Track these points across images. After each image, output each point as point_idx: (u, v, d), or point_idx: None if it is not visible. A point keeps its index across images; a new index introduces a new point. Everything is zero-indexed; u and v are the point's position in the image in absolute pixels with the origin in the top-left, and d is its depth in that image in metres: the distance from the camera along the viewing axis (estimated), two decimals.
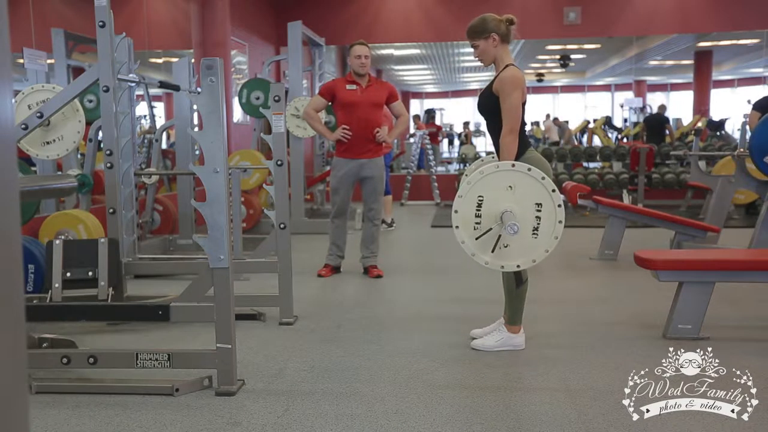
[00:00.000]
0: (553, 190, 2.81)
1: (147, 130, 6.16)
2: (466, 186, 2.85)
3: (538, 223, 2.83)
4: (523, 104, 3.08)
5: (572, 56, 13.99)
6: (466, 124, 15.96)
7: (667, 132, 10.87)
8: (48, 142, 4.28)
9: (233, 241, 4.69)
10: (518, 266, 2.91)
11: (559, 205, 2.81)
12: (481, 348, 3.17)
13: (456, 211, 2.84)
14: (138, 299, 3.86)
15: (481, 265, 2.91)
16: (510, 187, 2.81)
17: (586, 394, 2.62)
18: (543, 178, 2.82)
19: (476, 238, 2.84)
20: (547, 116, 15.18)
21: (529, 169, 2.82)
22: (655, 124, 10.78)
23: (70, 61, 5.70)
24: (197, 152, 6.77)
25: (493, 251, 2.84)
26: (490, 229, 2.81)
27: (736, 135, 11.52)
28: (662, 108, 11.37)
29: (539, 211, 2.82)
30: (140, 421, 2.42)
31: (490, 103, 3.10)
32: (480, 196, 2.83)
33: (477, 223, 2.85)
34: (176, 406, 2.54)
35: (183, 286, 3.49)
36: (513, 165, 2.86)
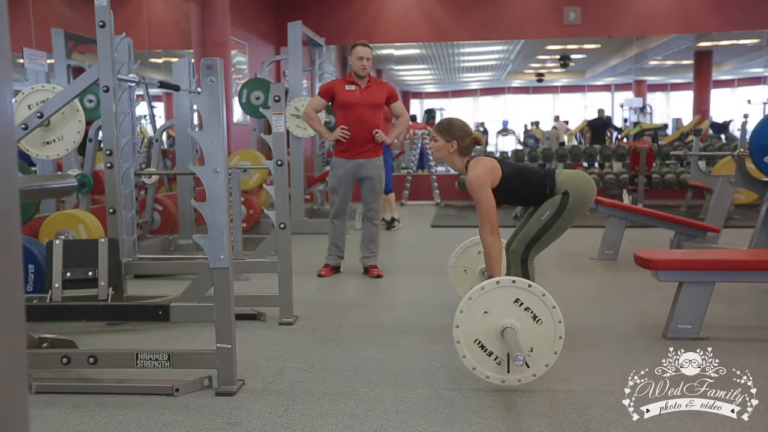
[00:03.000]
0: (554, 307, 2.80)
1: (149, 139, 6.16)
2: (467, 301, 2.82)
3: (532, 312, 2.81)
4: (507, 176, 3.18)
5: (572, 56, 13.99)
6: None
7: (608, 134, 12.26)
8: (48, 142, 4.28)
9: (233, 241, 4.69)
10: (519, 381, 2.89)
11: (559, 321, 2.80)
12: None
13: (457, 326, 2.82)
14: (138, 299, 3.86)
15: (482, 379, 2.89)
16: (518, 300, 2.76)
17: (586, 394, 2.62)
18: (543, 295, 2.80)
19: (506, 370, 2.77)
20: (556, 118, 15.19)
21: (530, 286, 2.80)
22: (599, 127, 12.01)
23: (70, 61, 5.70)
24: (197, 152, 6.77)
25: (509, 372, 2.80)
26: (508, 354, 2.76)
27: (737, 135, 11.53)
28: (601, 112, 12.68)
29: (521, 304, 2.79)
30: (140, 421, 2.42)
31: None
32: (485, 311, 2.79)
33: (495, 359, 2.80)
34: (176, 406, 2.54)
35: (183, 286, 3.51)
36: (514, 281, 2.84)
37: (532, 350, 2.74)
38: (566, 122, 14.99)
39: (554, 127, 14.13)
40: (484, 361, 2.77)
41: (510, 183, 3.18)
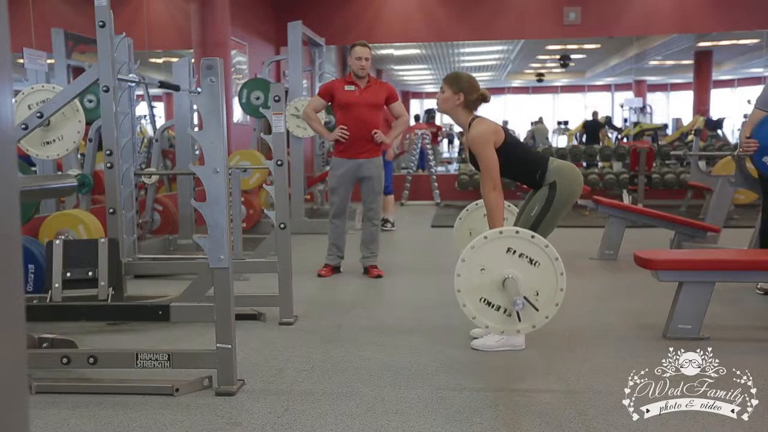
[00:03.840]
0: (547, 246, 2.81)
1: (149, 139, 6.16)
2: (462, 263, 2.84)
3: (529, 258, 2.84)
4: (508, 143, 3.20)
5: (572, 56, 13.99)
6: None
7: (608, 134, 12.85)
8: (48, 142, 4.28)
9: (233, 241, 4.69)
10: (533, 326, 2.92)
11: (557, 259, 2.81)
12: (481, 348, 3.17)
13: (459, 275, 2.83)
14: (138, 299, 3.86)
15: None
16: (482, 269, 2.79)
17: (586, 394, 2.62)
18: (533, 237, 2.81)
19: (508, 315, 2.82)
20: (540, 120, 15.20)
21: (517, 232, 2.82)
22: (594, 128, 12.57)
23: (70, 61, 5.70)
24: (197, 152, 6.77)
25: (537, 310, 2.82)
26: (505, 310, 2.80)
27: (737, 134, 11.52)
28: (595, 114, 13.20)
29: (514, 253, 2.80)
30: (140, 421, 2.42)
31: (473, 157, 3.28)
32: (482, 268, 2.82)
33: (504, 311, 2.83)
34: (176, 406, 2.54)
35: (183, 286, 3.51)
36: (501, 232, 2.86)
37: (537, 294, 2.75)
38: (565, 122, 15.02)
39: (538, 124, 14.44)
40: (493, 316, 2.77)
41: (508, 151, 3.19)
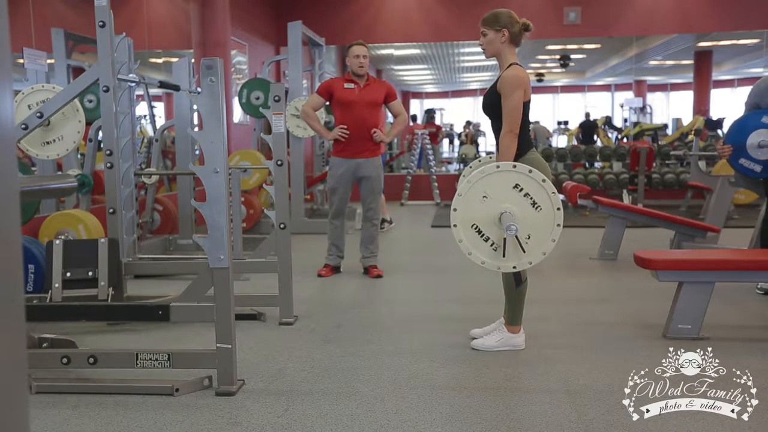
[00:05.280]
0: (553, 192, 2.81)
1: (149, 139, 6.15)
2: (466, 185, 2.84)
3: (532, 199, 2.81)
4: (527, 103, 3.08)
5: (572, 56, 13.98)
6: (467, 124, 15.94)
7: (609, 133, 13.31)
8: (48, 142, 4.28)
9: (233, 241, 4.69)
10: (514, 267, 2.91)
11: (558, 209, 2.81)
12: (481, 348, 3.17)
13: (455, 209, 2.83)
14: (138, 299, 3.86)
15: (478, 264, 2.92)
16: (484, 197, 2.79)
17: (586, 394, 2.62)
18: (543, 181, 2.81)
19: (503, 256, 2.81)
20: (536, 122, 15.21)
21: (530, 171, 2.81)
22: (589, 128, 12.92)
23: (70, 61, 5.70)
24: (197, 152, 6.77)
25: (524, 251, 2.81)
26: (505, 239, 2.79)
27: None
28: (588, 115, 13.64)
29: (521, 189, 2.79)
30: (140, 421, 2.42)
31: (493, 103, 3.10)
32: (474, 225, 2.82)
33: (491, 245, 2.83)
34: (176, 406, 2.54)
35: (183, 286, 3.50)
36: (514, 166, 2.85)
37: (529, 237, 2.74)
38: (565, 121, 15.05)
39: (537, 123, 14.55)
40: (479, 245, 2.77)
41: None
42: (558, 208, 2.79)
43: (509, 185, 2.76)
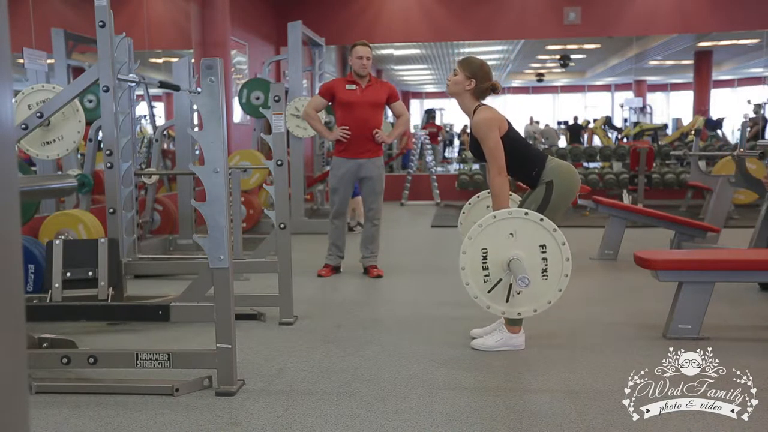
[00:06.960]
0: (554, 230, 2.84)
1: (149, 139, 6.16)
2: (468, 241, 2.89)
3: (546, 265, 2.91)
4: (511, 130, 3.20)
5: (572, 56, 13.98)
6: (466, 127, 15.95)
7: (610, 133, 13.84)
8: (48, 142, 4.28)
9: (233, 241, 4.69)
10: (535, 311, 2.99)
11: (563, 243, 2.84)
12: (481, 348, 3.17)
13: (463, 268, 2.90)
14: (138, 299, 3.86)
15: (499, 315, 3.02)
16: (511, 234, 2.87)
17: (586, 394, 2.62)
18: (541, 220, 2.85)
19: (488, 291, 2.92)
20: (531, 120, 15.28)
21: (527, 213, 2.85)
22: (575, 130, 13.87)
23: (70, 61, 5.70)
24: (197, 152, 6.77)
25: (507, 301, 2.91)
26: (500, 280, 2.88)
27: (736, 135, 11.54)
28: (576, 119, 14.51)
29: (544, 252, 2.87)
30: (140, 421, 2.42)
31: (479, 147, 3.22)
32: (484, 249, 2.88)
33: (486, 275, 2.90)
34: (176, 406, 2.54)
35: (183, 286, 3.50)
36: (510, 213, 2.89)
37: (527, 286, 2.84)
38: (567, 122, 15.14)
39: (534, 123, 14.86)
40: (482, 285, 2.86)
41: (509, 144, 3.16)
42: (563, 243, 2.86)
43: (535, 242, 2.85)
